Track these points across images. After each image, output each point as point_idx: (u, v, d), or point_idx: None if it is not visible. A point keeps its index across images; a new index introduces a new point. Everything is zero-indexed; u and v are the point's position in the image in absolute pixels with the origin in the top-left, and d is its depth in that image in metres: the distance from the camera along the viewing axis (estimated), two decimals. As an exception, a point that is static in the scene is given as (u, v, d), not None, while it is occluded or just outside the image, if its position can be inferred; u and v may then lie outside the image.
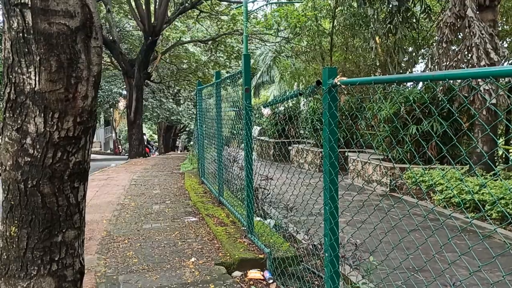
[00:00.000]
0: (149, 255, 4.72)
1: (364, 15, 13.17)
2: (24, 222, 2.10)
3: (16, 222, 2.11)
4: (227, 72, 19.36)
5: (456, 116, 2.11)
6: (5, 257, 2.16)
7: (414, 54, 13.95)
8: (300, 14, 15.86)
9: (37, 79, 1.95)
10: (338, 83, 2.77)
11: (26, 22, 1.89)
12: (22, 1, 1.88)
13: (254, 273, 4.26)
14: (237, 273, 4.32)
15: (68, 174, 2.14)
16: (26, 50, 1.92)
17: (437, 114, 2.44)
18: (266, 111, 16.39)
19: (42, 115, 2.00)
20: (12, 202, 2.11)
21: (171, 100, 26.18)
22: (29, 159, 2.05)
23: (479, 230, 6.03)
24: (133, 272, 4.25)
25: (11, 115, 2.03)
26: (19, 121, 2.02)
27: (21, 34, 1.91)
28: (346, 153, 11.24)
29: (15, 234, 2.12)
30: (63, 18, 1.93)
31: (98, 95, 2.20)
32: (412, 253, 2.79)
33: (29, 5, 1.88)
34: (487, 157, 2.53)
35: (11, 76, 1.99)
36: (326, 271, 2.91)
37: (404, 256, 4.38)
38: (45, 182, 2.08)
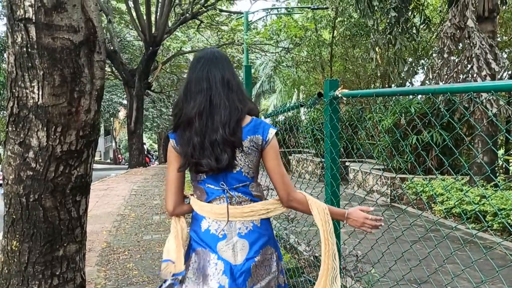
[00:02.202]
0: (150, 267, 4.70)
1: (365, 25, 13.25)
2: (26, 236, 2.10)
3: (17, 236, 2.11)
4: (227, 82, 19.37)
5: (458, 130, 2.13)
6: (6, 271, 2.15)
7: (414, 64, 14.01)
8: (299, 26, 15.93)
9: (40, 93, 1.96)
10: (340, 95, 2.77)
11: (30, 37, 1.90)
12: (26, 16, 1.89)
13: (255, 285, 4.24)
14: (238, 285, 4.29)
15: (70, 187, 2.14)
16: (30, 64, 1.93)
17: (438, 126, 2.46)
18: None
19: (45, 129, 2.00)
20: (14, 216, 2.11)
21: (171, 110, 26.21)
22: (31, 173, 2.05)
23: (480, 241, 6.01)
24: (133, 284, 4.22)
25: (14, 129, 2.04)
26: (21, 135, 2.02)
27: (25, 49, 1.92)
28: (346, 163, 11.24)
29: (16, 248, 2.11)
30: (67, 33, 1.95)
31: (100, 106, 2.21)
32: (415, 265, 2.78)
33: (33, 20, 1.89)
34: (489, 171, 2.53)
35: (14, 90, 1.99)
36: (328, 284, 2.90)
37: (405, 267, 4.36)
38: (47, 196, 2.08)
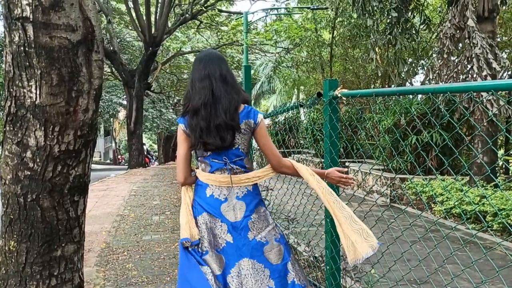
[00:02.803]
0: (149, 267, 4.69)
1: (364, 26, 13.23)
2: (24, 236, 2.09)
3: (15, 236, 2.10)
4: (227, 82, 19.34)
5: (457, 129, 2.13)
6: (4, 272, 2.14)
7: (413, 65, 13.99)
8: (299, 27, 15.88)
9: (38, 92, 1.95)
10: (339, 95, 2.76)
11: (28, 36, 1.89)
12: (24, 15, 1.88)
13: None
14: (237, 286, 4.27)
15: (68, 187, 2.13)
16: (27, 63, 1.92)
17: (438, 126, 2.46)
18: (266, 122, 16.40)
19: (43, 128, 1.99)
20: (12, 216, 2.10)
21: (171, 111, 26.17)
22: (29, 173, 2.04)
23: (480, 242, 6.00)
24: (133, 284, 4.21)
25: (12, 128, 2.02)
26: (19, 135, 2.01)
27: (22, 48, 1.91)
28: (346, 163, 11.22)
29: (14, 249, 2.10)
30: (64, 32, 1.93)
31: (98, 105, 2.20)
32: (415, 266, 2.77)
33: (31, 19, 1.88)
34: (489, 170, 2.52)
35: (11, 90, 1.98)
36: (328, 284, 2.89)
37: (405, 267, 4.35)
38: (44, 196, 2.07)
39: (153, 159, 30.78)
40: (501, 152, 12.32)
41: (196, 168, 2.49)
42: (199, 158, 2.43)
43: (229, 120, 2.27)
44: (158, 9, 15.99)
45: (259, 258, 2.32)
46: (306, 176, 2.41)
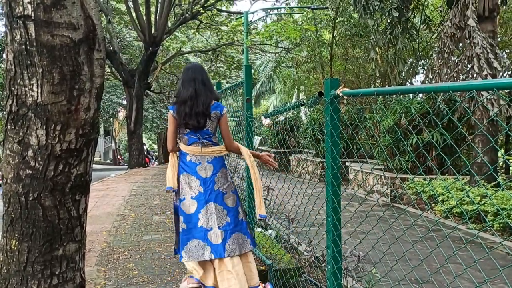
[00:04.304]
0: (149, 267, 4.68)
1: (365, 26, 13.21)
2: (25, 235, 2.08)
3: (16, 235, 2.09)
4: (227, 82, 19.38)
5: (459, 129, 2.14)
6: (5, 271, 2.13)
7: (414, 64, 13.97)
8: (296, 28, 15.82)
9: (39, 91, 1.94)
10: (340, 94, 2.75)
11: (29, 34, 1.89)
12: (25, 13, 1.87)
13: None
14: (238, 285, 4.26)
15: (70, 186, 2.12)
16: (29, 62, 1.91)
17: (440, 125, 2.47)
18: (267, 121, 16.39)
19: (44, 127, 1.98)
20: (13, 215, 2.09)
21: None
22: (30, 172, 2.03)
23: (481, 241, 5.99)
24: (133, 284, 4.21)
25: (13, 127, 2.02)
26: (20, 134, 2.01)
27: (23, 46, 1.90)
28: (346, 163, 11.20)
29: (15, 248, 2.10)
30: (66, 30, 1.93)
31: (100, 104, 2.19)
32: (416, 265, 2.76)
33: (32, 17, 1.88)
34: (492, 169, 2.52)
35: (13, 88, 1.98)
36: (329, 284, 2.88)
37: (406, 267, 4.34)
38: (46, 195, 2.06)
39: (153, 159, 30.75)
40: (501, 151, 12.32)
41: (180, 142, 3.52)
42: (181, 135, 3.49)
43: (205, 110, 3.36)
44: (158, 9, 15.97)
45: (220, 202, 3.38)
46: (245, 156, 3.57)
